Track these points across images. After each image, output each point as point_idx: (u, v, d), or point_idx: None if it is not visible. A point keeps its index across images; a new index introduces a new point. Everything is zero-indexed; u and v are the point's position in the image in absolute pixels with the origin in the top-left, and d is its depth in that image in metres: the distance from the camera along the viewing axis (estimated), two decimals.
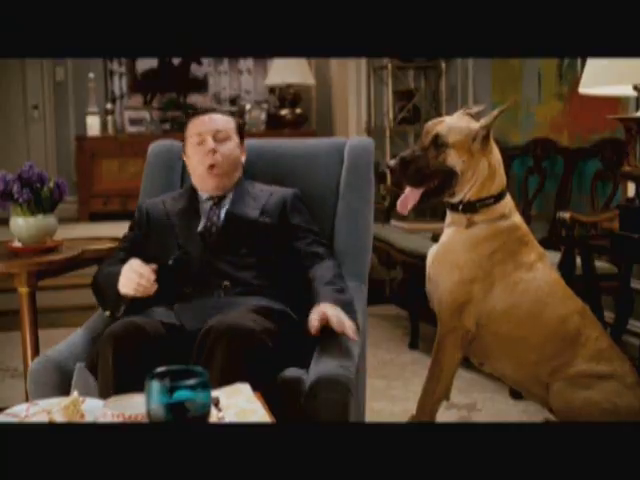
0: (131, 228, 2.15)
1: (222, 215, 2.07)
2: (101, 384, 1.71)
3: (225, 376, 1.58)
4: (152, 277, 1.81)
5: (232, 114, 2.27)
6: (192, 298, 1.92)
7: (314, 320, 1.74)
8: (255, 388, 1.51)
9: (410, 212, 2.09)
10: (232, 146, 2.12)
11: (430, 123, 2.05)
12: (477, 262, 2.00)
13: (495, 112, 1.99)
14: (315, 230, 2.11)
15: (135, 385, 1.62)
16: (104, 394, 1.66)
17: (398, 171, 1.99)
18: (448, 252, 2.05)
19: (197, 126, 2.13)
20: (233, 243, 2.01)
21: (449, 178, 1.99)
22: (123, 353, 1.67)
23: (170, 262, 1.96)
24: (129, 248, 2.07)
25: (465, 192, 2.01)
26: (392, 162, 2.01)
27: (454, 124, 2.00)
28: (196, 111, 2.30)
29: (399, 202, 2.05)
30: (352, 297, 1.93)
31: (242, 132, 2.21)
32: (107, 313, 1.97)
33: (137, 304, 1.88)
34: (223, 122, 2.14)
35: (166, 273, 1.91)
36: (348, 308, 1.81)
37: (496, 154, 2.04)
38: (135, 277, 1.81)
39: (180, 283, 1.95)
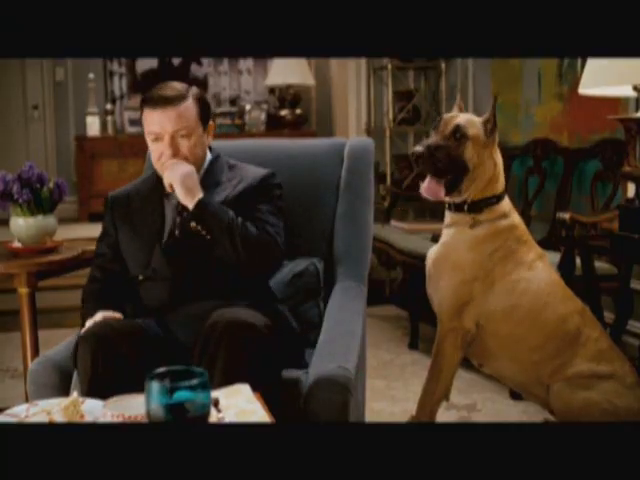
0: (103, 229, 2.06)
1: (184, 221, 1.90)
2: (80, 382, 1.72)
3: (230, 370, 1.60)
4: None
5: (192, 91, 1.92)
6: (174, 310, 1.88)
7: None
8: (258, 383, 1.52)
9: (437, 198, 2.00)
10: (195, 139, 1.90)
11: (447, 115, 2.03)
12: (478, 262, 2.00)
13: (491, 102, 2.02)
14: (271, 221, 1.90)
15: (111, 383, 1.62)
16: (83, 391, 1.68)
17: (426, 158, 1.94)
18: (451, 252, 2.05)
19: (154, 124, 1.87)
20: (198, 253, 1.86)
21: (460, 173, 1.98)
22: (101, 353, 1.67)
23: (140, 277, 1.94)
24: (104, 265, 2.02)
25: (470, 191, 2.01)
26: (419, 148, 1.95)
27: (470, 118, 2.01)
28: (150, 98, 1.88)
29: (425, 188, 1.98)
30: (232, 218, 1.82)
31: (204, 108, 1.94)
32: None
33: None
34: (184, 117, 1.87)
35: (136, 288, 1.94)
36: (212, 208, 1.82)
37: (499, 154, 2.06)
38: None
39: (155, 299, 1.91)
